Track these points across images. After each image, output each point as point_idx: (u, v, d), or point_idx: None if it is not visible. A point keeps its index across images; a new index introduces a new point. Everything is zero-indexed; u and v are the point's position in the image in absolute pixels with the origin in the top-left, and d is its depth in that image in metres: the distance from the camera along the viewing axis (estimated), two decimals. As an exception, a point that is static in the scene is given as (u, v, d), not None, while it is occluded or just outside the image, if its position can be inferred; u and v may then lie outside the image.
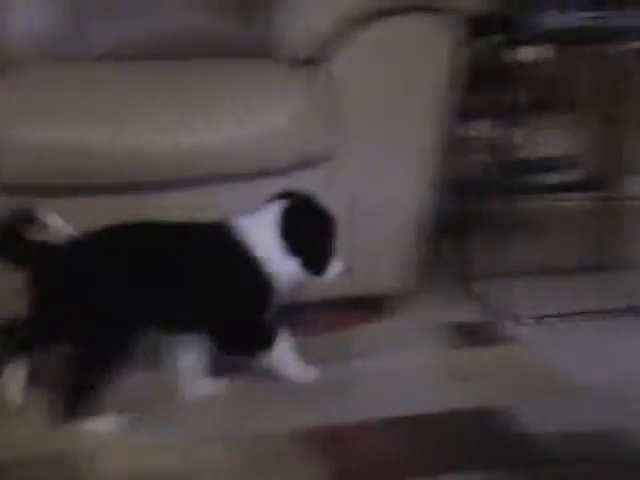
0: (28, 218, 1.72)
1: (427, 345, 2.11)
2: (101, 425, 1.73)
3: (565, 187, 2.52)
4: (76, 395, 1.72)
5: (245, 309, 1.77)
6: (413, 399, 1.85)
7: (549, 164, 2.52)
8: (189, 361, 1.84)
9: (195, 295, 1.73)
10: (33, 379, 1.83)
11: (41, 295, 1.70)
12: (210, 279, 1.73)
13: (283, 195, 1.81)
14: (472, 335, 2.17)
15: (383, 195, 2.11)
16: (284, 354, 1.80)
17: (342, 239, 1.86)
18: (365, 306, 2.24)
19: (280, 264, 1.77)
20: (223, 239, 1.75)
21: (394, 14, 2.03)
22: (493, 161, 2.52)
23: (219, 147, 1.96)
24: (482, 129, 2.54)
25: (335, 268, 1.83)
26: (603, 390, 1.88)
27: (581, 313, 2.24)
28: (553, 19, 2.21)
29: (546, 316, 2.23)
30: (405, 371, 1.98)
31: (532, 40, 2.47)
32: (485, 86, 2.63)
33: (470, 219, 2.46)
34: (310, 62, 2.05)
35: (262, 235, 1.76)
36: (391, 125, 2.10)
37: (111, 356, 1.71)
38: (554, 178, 2.56)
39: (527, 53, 2.67)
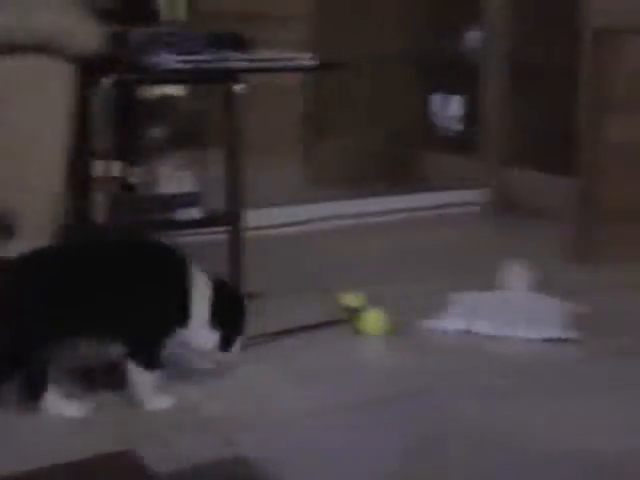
0: None
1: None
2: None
3: (196, 222, 2.57)
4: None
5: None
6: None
7: (181, 200, 2.56)
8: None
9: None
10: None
11: None
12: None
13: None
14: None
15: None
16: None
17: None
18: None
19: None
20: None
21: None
22: (125, 199, 2.53)
23: None
24: (112, 168, 2.54)
25: (238, 346, 2.10)
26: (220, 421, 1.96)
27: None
28: (170, 60, 2.26)
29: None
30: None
31: (155, 80, 2.52)
32: (115, 125, 2.64)
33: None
34: None
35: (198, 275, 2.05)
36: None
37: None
38: (186, 214, 2.60)
39: (153, 92, 2.72)
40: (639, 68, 2.92)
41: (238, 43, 2.44)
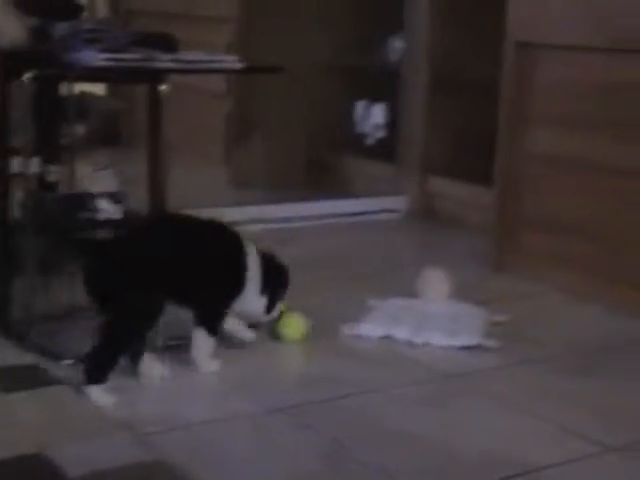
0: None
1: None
2: (102, 398, 2.02)
3: (117, 222, 2.53)
4: (95, 362, 2.05)
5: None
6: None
7: (105, 199, 2.53)
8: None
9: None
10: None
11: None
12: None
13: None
14: (11, 379, 2.11)
15: None
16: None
17: None
18: None
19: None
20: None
21: None
22: (44, 197, 2.48)
23: None
24: (31, 165, 2.49)
25: (277, 311, 2.37)
26: (138, 423, 1.93)
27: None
28: (94, 57, 2.22)
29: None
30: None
31: (77, 77, 2.48)
32: (34, 121, 2.58)
33: (13, 259, 2.40)
34: None
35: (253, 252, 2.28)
36: None
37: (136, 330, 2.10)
38: (107, 213, 2.56)
39: (75, 89, 2.67)
40: (557, 81, 2.99)
41: (164, 43, 2.40)
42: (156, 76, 2.43)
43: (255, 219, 3.56)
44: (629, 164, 2.81)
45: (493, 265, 3.16)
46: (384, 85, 4.13)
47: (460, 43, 3.80)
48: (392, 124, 4.11)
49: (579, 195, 2.96)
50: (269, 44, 3.95)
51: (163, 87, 2.49)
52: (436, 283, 2.70)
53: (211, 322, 2.24)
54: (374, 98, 4.24)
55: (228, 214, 3.65)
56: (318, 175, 4.20)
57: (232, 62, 2.48)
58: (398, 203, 3.88)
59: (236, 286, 2.25)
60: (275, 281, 2.33)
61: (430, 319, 2.56)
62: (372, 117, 4.24)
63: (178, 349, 2.29)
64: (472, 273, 3.06)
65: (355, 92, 4.29)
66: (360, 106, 4.28)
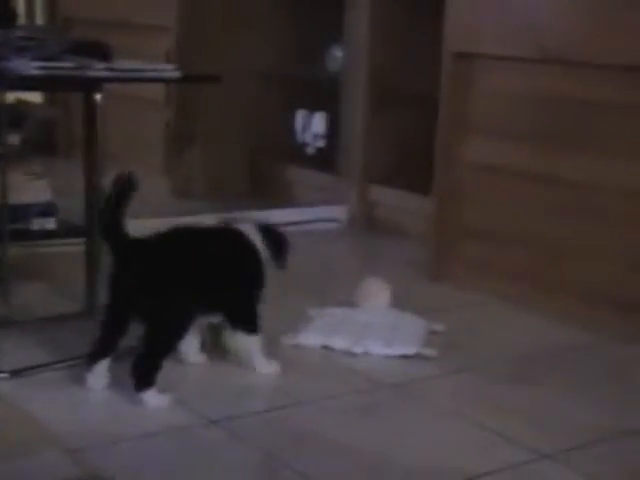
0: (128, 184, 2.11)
1: None
2: (156, 400, 2.09)
3: (51, 233, 2.51)
4: (144, 368, 2.10)
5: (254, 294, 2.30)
6: None
7: (35, 210, 2.49)
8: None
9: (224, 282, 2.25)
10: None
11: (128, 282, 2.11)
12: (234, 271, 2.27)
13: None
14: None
15: None
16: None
17: None
18: None
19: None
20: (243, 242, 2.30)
21: None
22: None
23: None
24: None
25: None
26: (74, 438, 1.90)
27: (62, 361, 2.25)
28: (26, 65, 2.19)
29: (28, 368, 2.19)
30: None
31: (10, 85, 2.44)
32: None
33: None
34: None
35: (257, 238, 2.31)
36: None
37: (179, 333, 2.16)
38: (40, 224, 2.53)
39: (7, 97, 2.63)
40: (493, 92, 3.02)
41: (99, 51, 2.38)
42: (90, 85, 2.41)
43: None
44: (563, 174, 2.84)
45: (432, 274, 3.18)
46: (324, 94, 4.14)
47: (400, 53, 3.82)
48: (332, 133, 4.12)
49: (516, 204, 2.99)
50: (209, 53, 3.93)
51: (98, 96, 2.47)
52: (376, 292, 2.71)
53: (247, 321, 2.28)
54: (314, 107, 4.24)
55: (167, 224, 3.63)
56: (259, 184, 4.19)
57: (169, 71, 2.47)
58: (338, 212, 3.88)
59: (260, 281, 2.30)
60: (275, 245, 2.36)
61: (369, 328, 2.56)
62: (312, 126, 4.25)
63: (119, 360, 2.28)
64: (411, 282, 3.07)
65: (295, 101, 4.29)
66: (300, 115, 4.28)
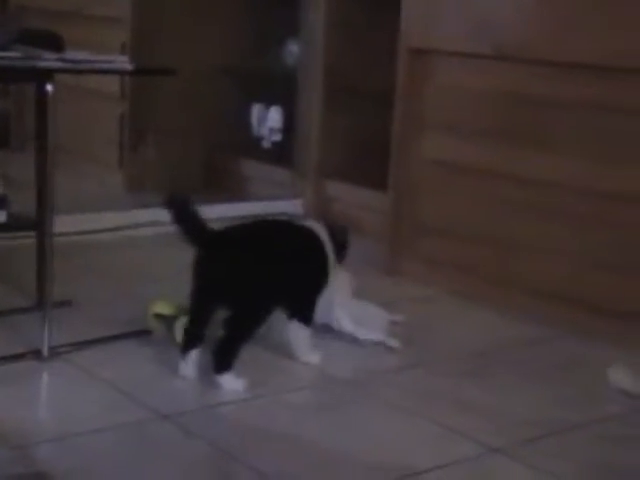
0: None
1: None
2: (233, 383, 2.17)
3: (2, 226, 2.46)
4: (225, 353, 2.17)
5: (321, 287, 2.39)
6: None
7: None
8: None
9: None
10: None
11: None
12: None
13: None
14: None
15: None
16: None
17: None
18: None
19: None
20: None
21: None
22: None
23: None
24: None
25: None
26: (22, 435, 1.87)
27: (11, 357, 2.21)
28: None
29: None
30: None
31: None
32: None
33: None
34: None
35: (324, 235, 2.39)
36: None
37: (260, 322, 2.23)
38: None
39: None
40: (449, 88, 3.03)
41: (50, 42, 2.35)
42: (41, 76, 2.37)
43: (149, 222, 3.51)
44: (517, 171, 2.86)
45: (387, 269, 3.19)
46: (281, 89, 4.12)
47: (356, 48, 3.82)
48: (289, 128, 4.11)
49: (471, 201, 3.01)
50: (165, 46, 3.89)
51: (49, 87, 2.43)
52: (340, 284, 2.71)
53: (306, 313, 2.35)
54: (270, 101, 4.22)
55: (122, 218, 3.61)
56: (214, 178, 4.16)
57: (122, 63, 2.44)
58: (294, 207, 3.87)
59: (324, 276, 2.37)
60: (341, 247, 2.45)
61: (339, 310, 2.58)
62: (268, 120, 4.23)
63: (67, 355, 2.25)
64: (367, 277, 3.05)
65: (251, 95, 4.27)
66: (256, 109, 4.26)
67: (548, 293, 2.78)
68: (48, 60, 2.23)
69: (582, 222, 2.73)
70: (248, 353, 2.37)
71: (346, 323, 2.53)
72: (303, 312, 2.36)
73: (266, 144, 4.24)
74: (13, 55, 2.17)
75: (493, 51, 2.86)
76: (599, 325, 2.64)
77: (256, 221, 2.34)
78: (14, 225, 2.42)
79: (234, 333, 2.19)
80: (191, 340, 2.23)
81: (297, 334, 2.37)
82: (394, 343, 2.49)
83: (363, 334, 2.51)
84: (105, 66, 2.43)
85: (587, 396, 2.29)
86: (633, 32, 2.56)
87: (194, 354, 2.22)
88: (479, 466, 1.91)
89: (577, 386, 2.35)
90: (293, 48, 4.09)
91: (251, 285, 2.21)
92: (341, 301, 2.61)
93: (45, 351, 2.28)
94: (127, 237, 3.44)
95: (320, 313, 2.49)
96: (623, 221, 2.64)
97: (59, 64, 2.25)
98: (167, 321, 2.44)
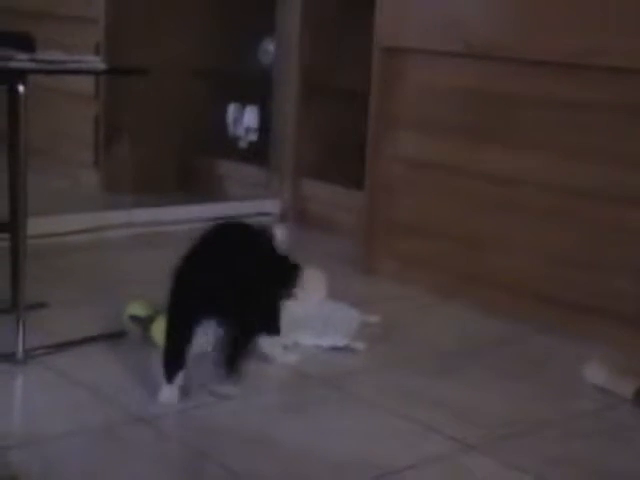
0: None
1: None
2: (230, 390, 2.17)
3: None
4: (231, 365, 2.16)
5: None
6: None
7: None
8: None
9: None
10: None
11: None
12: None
13: None
14: None
15: None
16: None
17: None
18: None
19: None
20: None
21: None
22: None
23: None
24: None
25: None
26: None
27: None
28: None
29: None
30: None
31: None
32: None
33: None
34: None
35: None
36: None
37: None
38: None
39: None
40: (422, 86, 3.04)
41: (21, 42, 2.33)
42: (13, 76, 2.36)
43: (125, 223, 3.51)
44: (489, 168, 2.87)
45: (362, 268, 3.19)
46: (256, 88, 4.12)
47: (331, 47, 3.82)
48: (264, 127, 4.11)
49: (445, 198, 3.02)
50: (140, 46, 3.88)
51: (21, 88, 2.42)
52: (313, 283, 2.71)
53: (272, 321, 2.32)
54: (246, 101, 4.22)
55: (97, 219, 3.60)
56: (190, 178, 4.16)
57: (94, 63, 2.43)
58: (270, 206, 3.87)
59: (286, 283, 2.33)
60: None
61: (301, 320, 2.56)
62: (244, 120, 4.23)
63: (41, 357, 2.24)
64: (342, 276, 3.06)
65: (227, 95, 4.26)
66: (232, 109, 4.26)
67: (521, 290, 2.80)
68: (20, 61, 2.22)
69: (548, 219, 2.75)
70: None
71: (306, 337, 2.50)
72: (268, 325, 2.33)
73: (242, 144, 4.23)
74: (-17, 56, 2.16)
75: (464, 49, 2.88)
76: (572, 321, 2.66)
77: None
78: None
79: (236, 350, 2.19)
80: (176, 364, 2.12)
81: (267, 340, 2.36)
82: (358, 345, 2.48)
83: (326, 342, 2.48)
84: (78, 66, 2.42)
85: (561, 392, 2.30)
86: (599, 30, 2.58)
87: (179, 378, 2.12)
88: (453, 464, 1.92)
89: (551, 382, 2.36)
90: (269, 48, 4.09)
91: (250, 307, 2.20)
92: (308, 306, 2.63)
93: (19, 354, 2.26)
94: (102, 238, 3.43)
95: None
96: (593, 217, 2.65)
97: (31, 65, 2.24)
98: (142, 323, 2.44)
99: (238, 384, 2.16)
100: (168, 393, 2.10)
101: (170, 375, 2.08)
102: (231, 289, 2.09)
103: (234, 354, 2.15)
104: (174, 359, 2.09)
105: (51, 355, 2.29)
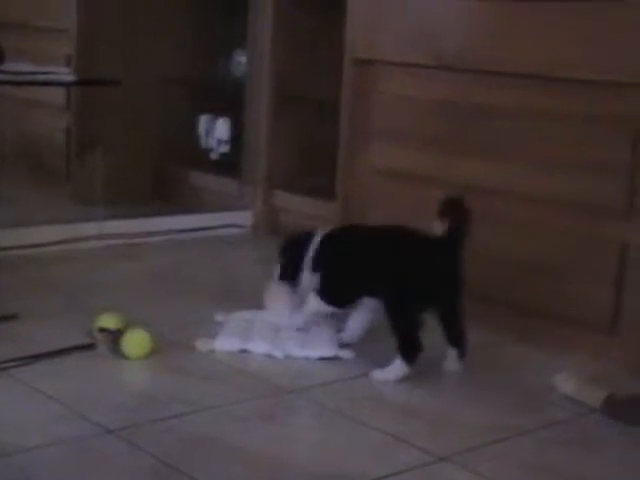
0: None
1: None
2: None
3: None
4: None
5: None
6: None
7: None
8: None
9: None
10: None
11: None
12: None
13: None
14: None
15: None
16: None
17: None
18: None
19: None
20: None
21: None
22: None
23: None
24: None
25: None
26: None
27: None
28: None
29: None
30: None
31: None
32: None
33: None
34: None
35: None
36: None
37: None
38: None
39: None
40: (394, 98, 3.05)
41: None
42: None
43: (97, 235, 3.49)
44: (461, 179, 2.88)
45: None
46: (228, 99, 4.12)
47: (303, 58, 3.83)
48: (236, 139, 4.11)
49: (416, 209, 3.01)
50: (111, 57, 3.87)
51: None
52: (280, 295, 2.70)
53: None
54: (218, 112, 4.21)
55: (69, 230, 3.57)
56: (162, 190, 4.14)
57: (63, 74, 2.43)
58: (243, 218, 3.87)
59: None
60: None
61: (283, 331, 2.56)
62: (216, 132, 4.22)
63: (12, 370, 2.22)
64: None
65: (199, 106, 4.25)
66: (204, 120, 4.25)
67: (494, 299, 2.80)
68: (-11, 72, 2.21)
69: (521, 228, 2.77)
70: (196, 366, 2.41)
71: (293, 348, 2.49)
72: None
73: (214, 155, 4.23)
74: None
75: (435, 61, 2.90)
76: (545, 330, 2.67)
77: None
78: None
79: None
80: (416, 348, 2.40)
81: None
82: (346, 354, 2.49)
83: (314, 353, 2.48)
84: (47, 78, 2.42)
85: (533, 402, 2.31)
86: (567, 44, 2.61)
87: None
88: (426, 474, 1.92)
89: (523, 392, 2.37)
90: (241, 59, 4.09)
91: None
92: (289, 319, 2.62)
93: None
94: (74, 250, 3.41)
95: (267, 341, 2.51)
96: (565, 226, 2.67)
97: (1, 77, 2.23)
98: (112, 335, 2.43)
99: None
100: (400, 372, 2.37)
101: (412, 359, 2.36)
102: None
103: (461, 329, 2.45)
104: (412, 344, 2.37)
105: (21, 367, 2.27)
